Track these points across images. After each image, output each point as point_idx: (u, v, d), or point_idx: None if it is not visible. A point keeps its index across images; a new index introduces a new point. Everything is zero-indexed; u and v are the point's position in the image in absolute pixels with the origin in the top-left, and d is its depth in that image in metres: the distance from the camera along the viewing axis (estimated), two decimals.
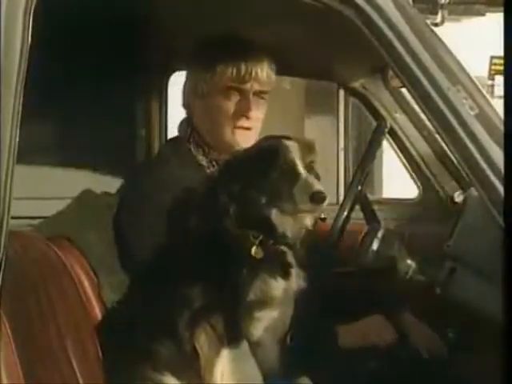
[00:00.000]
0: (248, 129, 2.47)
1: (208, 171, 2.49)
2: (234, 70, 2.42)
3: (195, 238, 2.15)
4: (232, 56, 2.43)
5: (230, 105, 2.45)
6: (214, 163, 2.51)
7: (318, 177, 2.14)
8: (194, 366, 2.03)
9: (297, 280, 2.16)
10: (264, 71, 2.45)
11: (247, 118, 2.45)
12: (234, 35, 2.43)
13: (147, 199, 2.33)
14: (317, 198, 2.03)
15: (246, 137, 2.46)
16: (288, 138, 2.15)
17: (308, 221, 2.13)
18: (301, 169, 2.08)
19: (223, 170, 2.19)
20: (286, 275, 2.13)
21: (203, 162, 2.50)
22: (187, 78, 2.56)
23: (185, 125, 2.57)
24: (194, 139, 2.52)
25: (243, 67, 2.42)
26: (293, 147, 2.10)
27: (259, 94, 2.48)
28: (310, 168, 2.11)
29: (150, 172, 2.45)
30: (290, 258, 2.15)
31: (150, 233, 2.25)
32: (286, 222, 2.10)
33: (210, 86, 2.46)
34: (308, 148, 2.15)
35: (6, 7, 1.64)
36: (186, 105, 2.56)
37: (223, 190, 2.10)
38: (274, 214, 2.08)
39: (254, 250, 2.09)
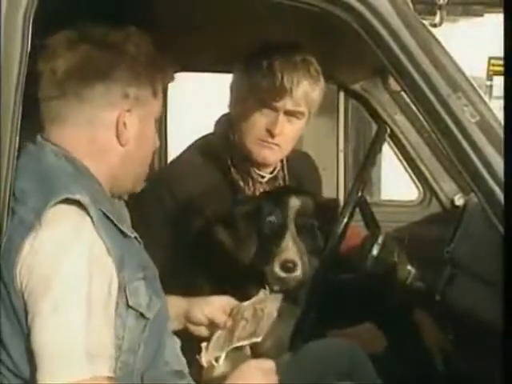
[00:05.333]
0: (275, 144, 2.41)
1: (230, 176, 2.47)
2: (268, 84, 2.34)
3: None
4: (269, 69, 2.34)
5: (260, 118, 2.39)
6: (233, 166, 2.48)
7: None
8: None
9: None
10: (300, 90, 2.35)
11: (272, 135, 2.38)
12: (276, 45, 2.35)
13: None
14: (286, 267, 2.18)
15: (270, 152, 2.42)
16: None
17: None
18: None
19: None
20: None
21: (228, 161, 2.47)
22: (232, 78, 2.49)
23: (224, 121, 2.54)
24: (227, 138, 2.49)
25: (277, 82, 2.33)
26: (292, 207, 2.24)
27: (293, 113, 2.39)
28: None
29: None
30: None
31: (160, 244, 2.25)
32: None
33: (245, 94, 2.41)
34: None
35: (5, 10, 1.64)
36: (229, 104, 2.50)
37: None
38: None
39: None
